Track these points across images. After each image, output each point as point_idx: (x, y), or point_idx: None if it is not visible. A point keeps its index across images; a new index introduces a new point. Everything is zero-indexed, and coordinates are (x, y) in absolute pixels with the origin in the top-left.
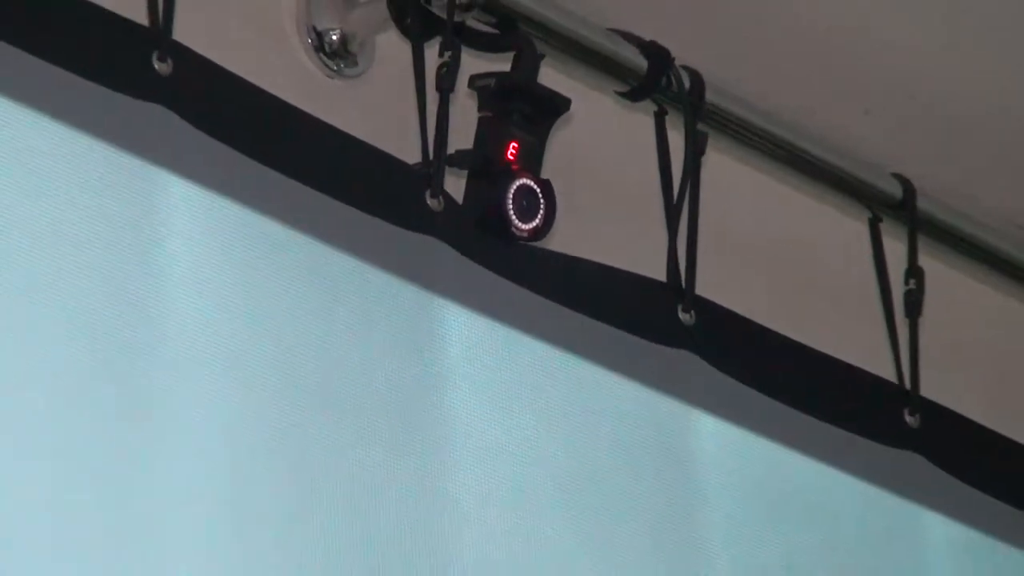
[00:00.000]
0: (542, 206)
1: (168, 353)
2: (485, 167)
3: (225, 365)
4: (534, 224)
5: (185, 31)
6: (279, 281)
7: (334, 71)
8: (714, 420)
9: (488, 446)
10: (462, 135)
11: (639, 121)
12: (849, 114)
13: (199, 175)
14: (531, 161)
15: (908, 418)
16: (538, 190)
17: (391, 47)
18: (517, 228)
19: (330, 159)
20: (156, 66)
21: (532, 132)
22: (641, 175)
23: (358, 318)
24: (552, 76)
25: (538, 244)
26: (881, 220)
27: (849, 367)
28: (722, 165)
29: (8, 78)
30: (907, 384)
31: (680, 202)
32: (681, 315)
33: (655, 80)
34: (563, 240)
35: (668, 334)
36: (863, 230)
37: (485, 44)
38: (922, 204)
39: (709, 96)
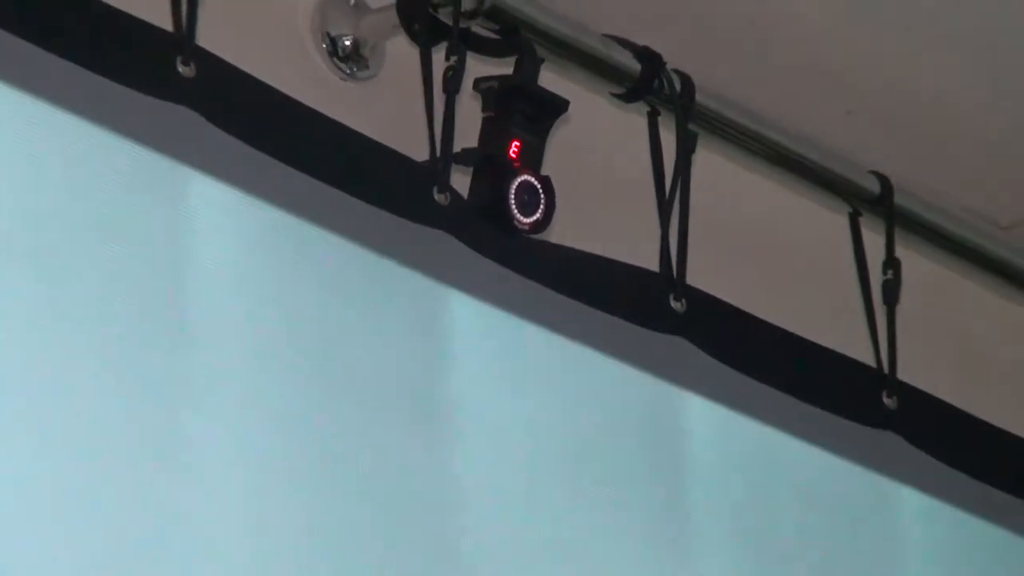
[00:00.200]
0: (542, 201)
1: (198, 339)
2: (489, 164)
3: (250, 351)
4: (535, 218)
5: (207, 37)
6: (297, 272)
7: (347, 74)
8: (703, 401)
9: (493, 425)
10: (467, 134)
11: (633, 121)
12: (830, 115)
13: (221, 172)
14: (532, 159)
15: (886, 400)
16: (538, 186)
17: (400, 52)
18: (519, 221)
19: (343, 157)
20: (180, 70)
21: (533, 131)
22: (635, 172)
23: (371, 307)
24: (551, 79)
25: (539, 236)
26: (860, 214)
27: (830, 352)
28: (711, 163)
29: (45, 82)
30: (885, 368)
31: (672, 197)
32: (672, 303)
33: (648, 83)
34: (562, 233)
35: (660, 321)
36: (843, 224)
37: (489, 49)
38: (899, 200)
39: (699, 98)
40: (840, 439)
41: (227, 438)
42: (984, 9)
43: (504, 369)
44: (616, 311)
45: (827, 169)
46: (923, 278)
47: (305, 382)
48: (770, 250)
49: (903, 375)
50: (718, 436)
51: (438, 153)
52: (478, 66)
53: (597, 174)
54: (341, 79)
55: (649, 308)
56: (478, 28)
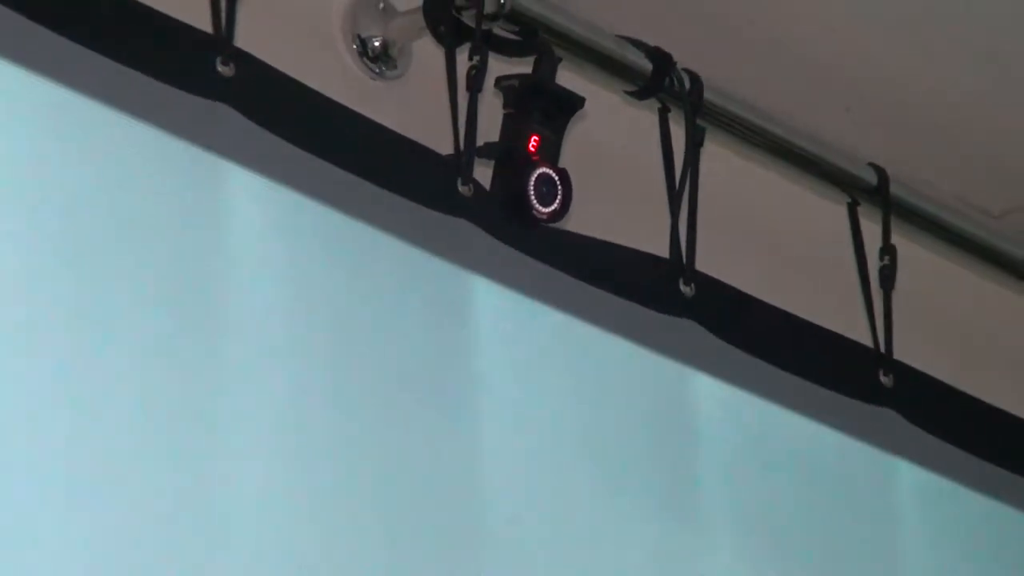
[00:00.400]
0: (560, 192)
1: (232, 323)
2: (509, 158)
3: (283, 334)
4: (553, 208)
5: (245, 39)
6: (328, 260)
7: (376, 74)
8: (711, 380)
9: (512, 403)
10: (489, 130)
11: (645, 117)
12: (830, 111)
13: (258, 165)
14: (550, 152)
15: (883, 378)
16: (556, 178)
17: (426, 52)
18: (538, 211)
19: (372, 151)
20: (220, 69)
21: (551, 127)
22: (647, 165)
23: (399, 292)
24: (568, 77)
25: (556, 225)
26: (859, 204)
27: (831, 333)
28: (718, 156)
29: (93, 81)
30: (882, 348)
31: (681, 188)
32: (682, 288)
33: (659, 81)
34: (578, 222)
35: (671, 304)
36: (843, 213)
37: (509, 50)
38: (895, 190)
39: (707, 95)
40: (840, 416)
41: (258, 416)
42: (977, 10)
43: (523, 351)
44: (629, 295)
45: (827, 161)
46: (918, 264)
47: (334, 363)
48: (774, 238)
49: (899, 355)
50: (725, 413)
51: (462, 147)
52: (499, 66)
53: (611, 167)
54: (371, 78)
55: (660, 292)
56: (499, 30)
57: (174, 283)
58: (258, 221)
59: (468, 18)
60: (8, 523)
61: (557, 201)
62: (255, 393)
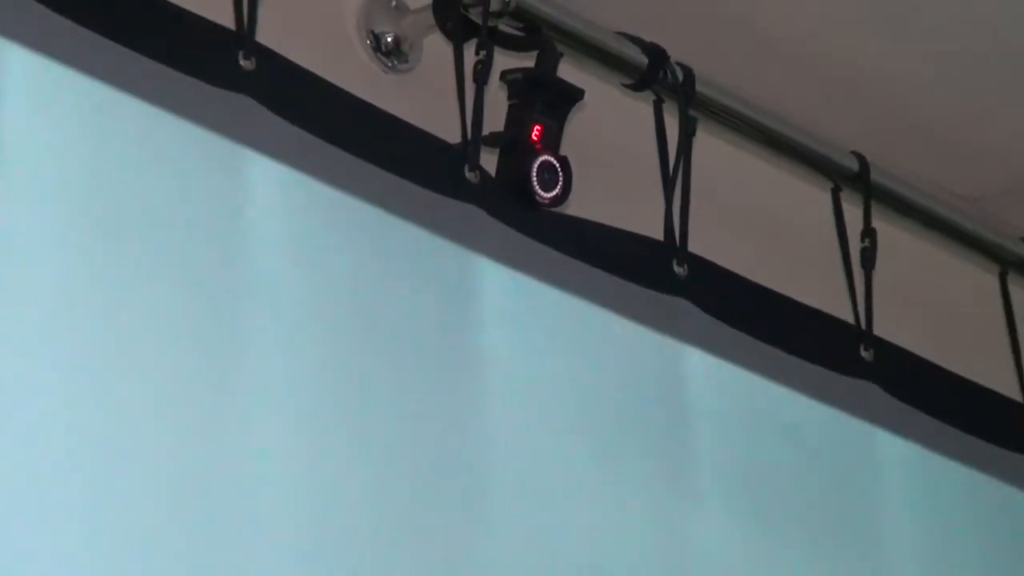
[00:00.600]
0: (561, 178)
1: (253, 300)
2: (514, 146)
3: (302, 311)
4: (554, 193)
5: (266, 34)
6: (342, 242)
7: (389, 67)
8: (703, 355)
9: (516, 376)
10: (494, 120)
11: (640, 108)
12: (814, 102)
13: (278, 154)
14: (552, 141)
15: (863, 352)
16: (557, 165)
17: (436, 48)
18: (540, 196)
19: (385, 140)
20: (242, 63)
21: (552, 117)
22: (642, 153)
23: (409, 272)
24: (569, 71)
25: (557, 210)
26: (841, 189)
27: (815, 310)
28: (709, 144)
29: (123, 75)
30: (863, 325)
31: (675, 175)
32: (676, 268)
33: (654, 74)
34: (578, 206)
35: (665, 284)
36: (826, 198)
37: (513, 45)
38: (875, 176)
39: (699, 88)
40: (823, 388)
41: (277, 390)
42: (951, 6)
43: (526, 327)
44: (625, 275)
45: (811, 150)
46: (897, 246)
47: (350, 339)
48: (762, 221)
49: (878, 331)
50: (716, 386)
51: (469, 136)
52: (504, 60)
53: (609, 155)
54: (383, 72)
55: (655, 272)
56: (504, 26)
57: (198, 262)
58: (277, 206)
59: (475, 15)
60: (36, 499)
61: (558, 187)
62: (275, 367)
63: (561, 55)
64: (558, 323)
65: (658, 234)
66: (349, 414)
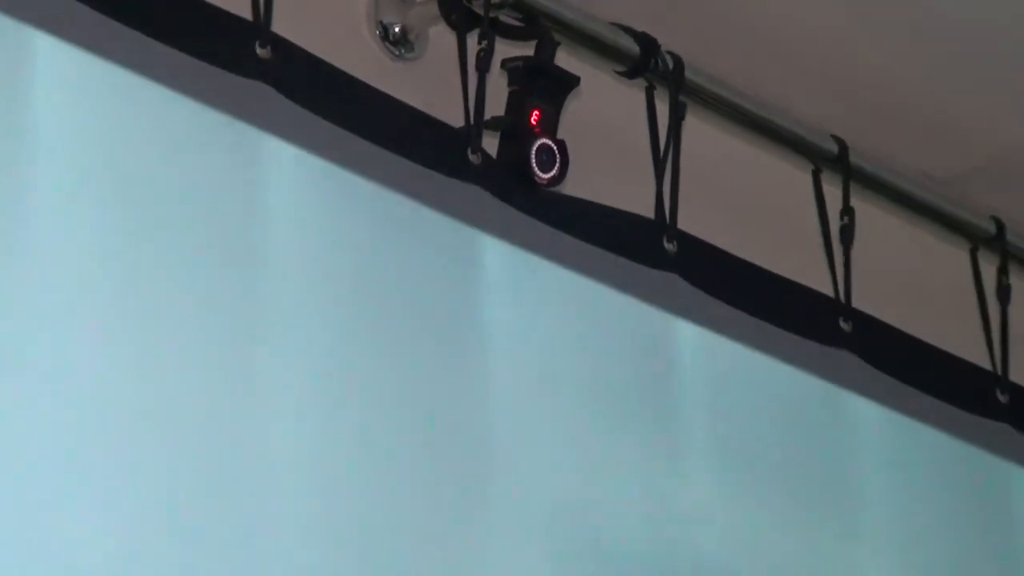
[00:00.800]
0: (558, 160)
1: (266, 277)
2: (514, 130)
3: (314, 286)
4: (552, 174)
5: (281, 25)
6: (352, 219)
7: (396, 56)
8: (691, 326)
9: (515, 347)
10: (496, 105)
11: (633, 94)
12: (797, 88)
13: (292, 137)
14: (549, 125)
15: (842, 324)
16: (555, 148)
17: (441, 37)
18: (539, 177)
19: (392, 124)
20: (258, 52)
21: (550, 102)
22: (635, 136)
23: (415, 248)
24: (566, 59)
25: (555, 189)
26: (821, 171)
27: (797, 284)
28: (698, 128)
29: (147, 63)
30: (842, 298)
31: (665, 157)
32: (666, 245)
33: (646, 62)
34: (574, 186)
35: (655, 259)
36: (807, 179)
37: (513, 34)
38: (853, 158)
39: (688, 75)
40: (804, 357)
41: (290, 359)
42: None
43: (525, 300)
44: (619, 251)
45: (793, 133)
46: (873, 224)
47: (360, 310)
48: (747, 200)
49: (857, 304)
50: (703, 355)
51: (471, 121)
52: (505, 48)
53: (603, 138)
54: (391, 60)
55: (646, 249)
56: (505, 17)
57: (217, 236)
58: (292, 186)
59: (477, 6)
60: (55, 467)
61: (555, 168)
62: (290, 338)
63: (558, 44)
64: (555, 296)
65: (649, 212)
66: (359, 381)
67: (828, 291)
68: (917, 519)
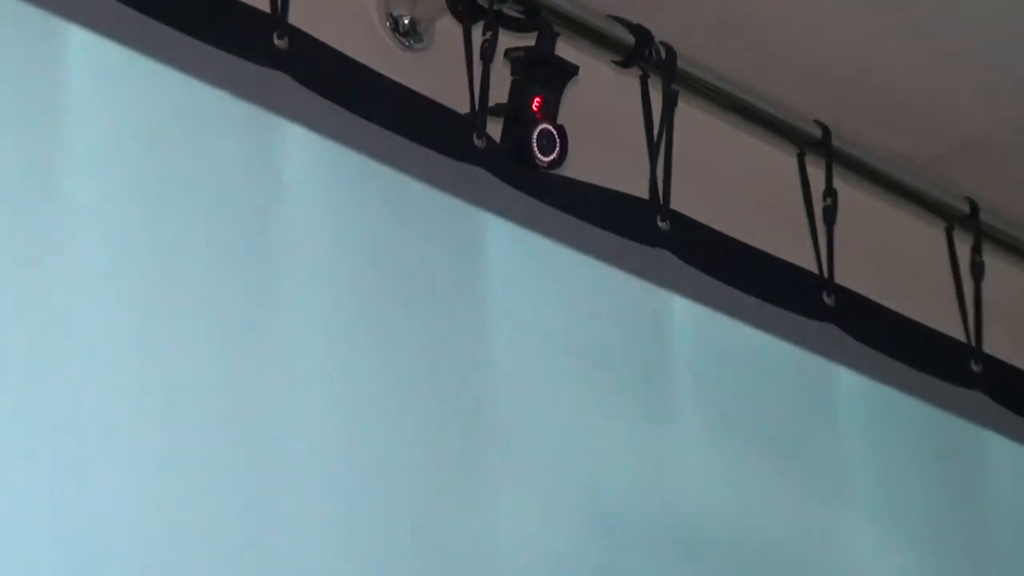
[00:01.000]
0: (558, 144)
1: (287, 253)
2: (516, 116)
3: (329, 261)
4: (552, 157)
5: (298, 17)
6: (365, 201)
7: (406, 46)
8: (683, 300)
9: (517, 319)
10: (499, 93)
11: (628, 83)
12: (782, 76)
13: (309, 123)
14: (550, 112)
15: (826, 299)
16: (555, 132)
17: (448, 28)
18: (539, 160)
19: (402, 110)
20: (276, 42)
21: (551, 90)
22: (630, 122)
23: (424, 227)
24: (565, 49)
25: (555, 172)
26: (805, 154)
27: (783, 262)
28: (689, 114)
29: (173, 53)
30: (825, 274)
31: (658, 141)
32: (659, 223)
33: (640, 53)
34: (573, 169)
35: (649, 237)
36: (792, 162)
37: (516, 26)
38: (836, 142)
39: (680, 64)
40: (790, 330)
41: (307, 331)
42: None
43: (526, 275)
44: (615, 229)
45: (779, 119)
46: (855, 204)
47: (372, 285)
48: (735, 182)
49: (839, 279)
50: (693, 327)
51: (476, 107)
52: (508, 39)
53: (601, 123)
54: (401, 50)
55: (640, 227)
56: (508, 10)
57: (238, 217)
58: (308, 168)
59: (482, 0)
60: (94, 439)
61: (556, 152)
62: (306, 310)
63: (558, 35)
64: (555, 272)
65: (643, 193)
66: (371, 351)
67: (812, 267)
68: (897, 482)
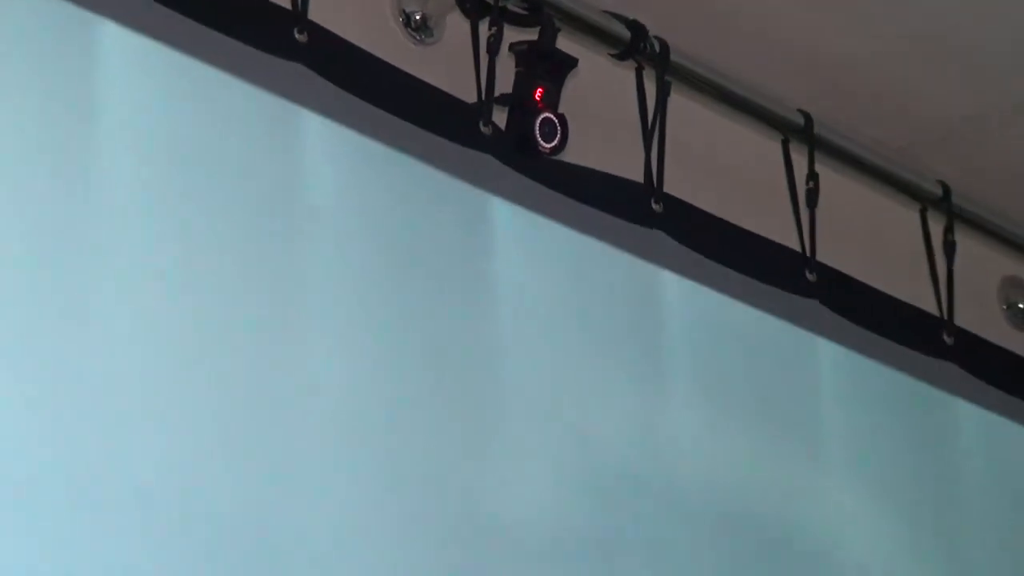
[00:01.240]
0: (559, 132)
1: (309, 228)
2: (520, 105)
3: (346, 242)
4: (553, 144)
5: (317, 13)
6: (380, 183)
7: (417, 40)
8: (675, 277)
9: (521, 294)
10: (504, 83)
11: (624, 74)
12: (768, 68)
13: (328, 111)
14: (551, 101)
15: (808, 275)
16: (556, 121)
17: (456, 24)
18: (542, 146)
19: (414, 100)
20: (297, 37)
21: (552, 81)
22: (626, 110)
23: (435, 209)
24: (565, 43)
25: (556, 158)
26: (789, 141)
27: (768, 241)
28: (681, 104)
29: (199, 47)
30: (808, 252)
31: (652, 129)
32: (653, 205)
33: (635, 46)
34: (573, 155)
35: (644, 218)
36: (777, 148)
37: (520, 21)
38: (818, 130)
39: (673, 57)
40: (775, 305)
41: (329, 300)
42: None
43: (530, 253)
44: (612, 211)
45: (765, 108)
46: (835, 187)
47: (387, 262)
48: (724, 166)
49: (820, 257)
50: (686, 302)
51: (483, 97)
52: (512, 34)
53: (599, 112)
54: (413, 44)
55: (636, 209)
56: (512, 6)
57: (262, 201)
58: (327, 155)
59: None
60: (135, 388)
61: (557, 139)
62: (329, 283)
63: (559, 30)
64: (556, 250)
65: (638, 177)
66: (388, 323)
67: (796, 246)
68: (872, 444)
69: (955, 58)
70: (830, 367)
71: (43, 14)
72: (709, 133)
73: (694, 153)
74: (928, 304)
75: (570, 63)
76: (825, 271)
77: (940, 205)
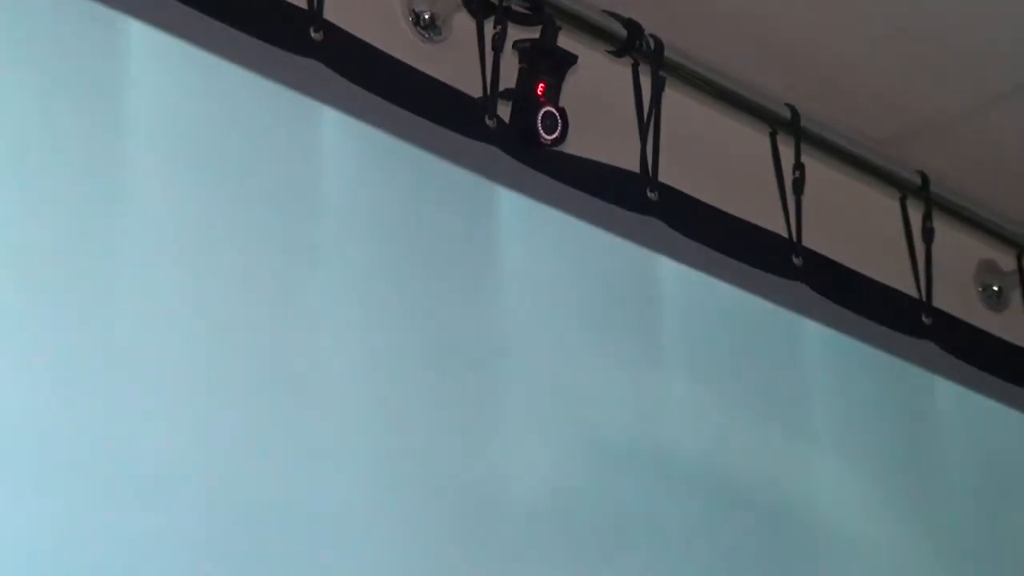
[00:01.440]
0: (560, 125)
1: (323, 218)
2: (523, 99)
3: (358, 230)
4: (554, 136)
5: (332, 12)
6: (392, 174)
7: (426, 38)
8: (671, 263)
9: (525, 279)
10: (508, 79)
11: (621, 70)
12: (757, 64)
13: (342, 107)
14: (553, 96)
15: (795, 260)
16: (557, 114)
17: (463, 22)
18: (544, 138)
19: (423, 95)
20: (313, 35)
21: (553, 76)
22: (623, 104)
23: (442, 197)
24: (566, 41)
25: (557, 149)
26: (777, 133)
27: (757, 227)
28: (675, 99)
29: (221, 45)
30: (794, 238)
31: (648, 122)
32: (649, 194)
33: (632, 43)
34: (573, 146)
35: (640, 206)
36: (766, 140)
37: (523, 20)
38: (804, 123)
39: (667, 54)
40: (764, 287)
41: (340, 287)
42: None
43: (532, 240)
44: (610, 199)
45: (754, 102)
46: (820, 177)
47: (398, 249)
48: (715, 157)
49: (807, 243)
50: (680, 286)
51: (488, 92)
52: (516, 32)
53: (597, 106)
54: (422, 42)
55: (632, 197)
56: (516, 6)
57: (281, 190)
58: (341, 148)
59: None
60: (148, 369)
61: (558, 131)
62: (340, 270)
63: (560, 28)
64: (557, 236)
65: (635, 167)
66: (397, 307)
67: (783, 232)
68: (855, 420)
69: (935, 54)
70: (815, 346)
71: (68, 13)
72: (701, 126)
73: (687, 145)
74: (908, 287)
75: (570, 60)
76: (811, 256)
77: (919, 193)
